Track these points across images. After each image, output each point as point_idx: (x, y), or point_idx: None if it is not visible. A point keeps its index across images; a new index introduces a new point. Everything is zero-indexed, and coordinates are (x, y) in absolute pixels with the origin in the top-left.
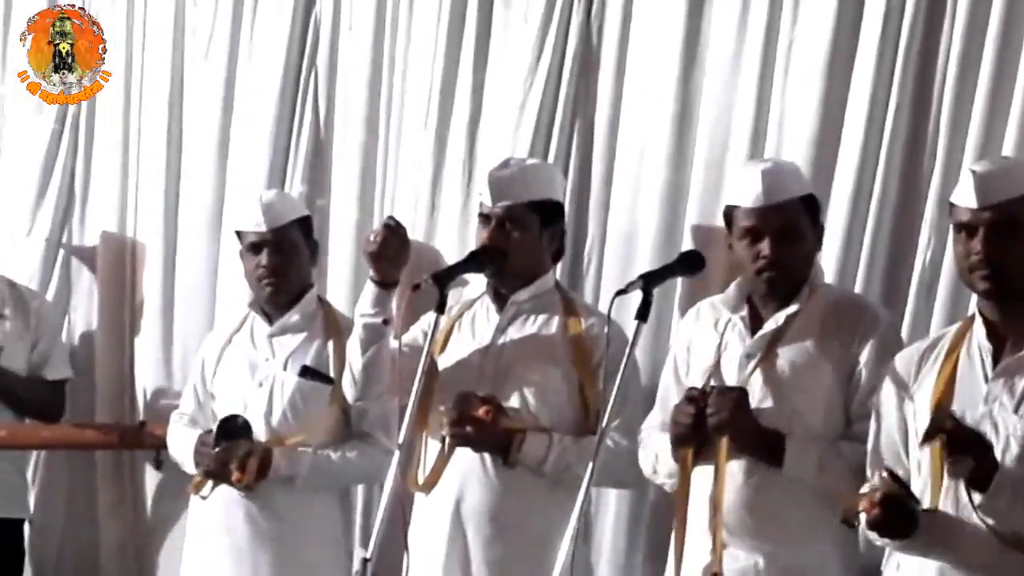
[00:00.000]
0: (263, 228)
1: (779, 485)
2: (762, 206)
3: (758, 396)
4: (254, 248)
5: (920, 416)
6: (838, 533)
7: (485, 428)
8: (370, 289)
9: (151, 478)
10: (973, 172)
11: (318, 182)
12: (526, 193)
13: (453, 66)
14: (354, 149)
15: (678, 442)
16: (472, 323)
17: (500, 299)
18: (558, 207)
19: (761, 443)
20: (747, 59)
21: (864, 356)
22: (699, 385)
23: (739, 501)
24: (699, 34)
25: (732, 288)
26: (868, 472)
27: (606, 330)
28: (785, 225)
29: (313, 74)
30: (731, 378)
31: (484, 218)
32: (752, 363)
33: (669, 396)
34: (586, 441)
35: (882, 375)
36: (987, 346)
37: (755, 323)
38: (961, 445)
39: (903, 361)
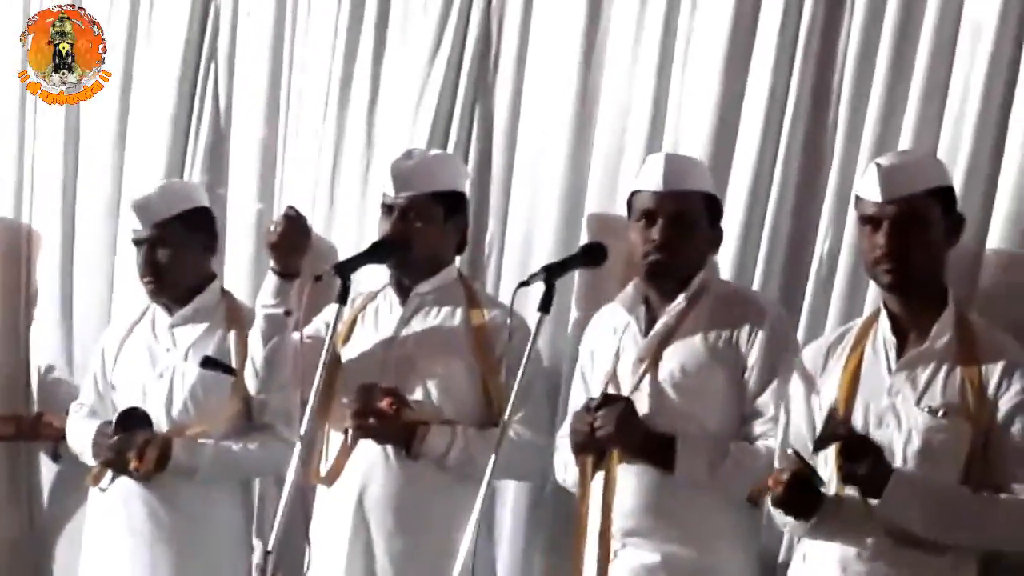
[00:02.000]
0: (139, 226)
1: (673, 484)
2: (661, 191)
3: (649, 401)
4: (136, 245)
5: (825, 410)
6: (737, 532)
7: (388, 420)
8: (271, 280)
9: (47, 471)
10: (878, 165)
11: (217, 171)
12: (429, 184)
13: (352, 56)
14: (253, 139)
15: (578, 450)
16: (375, 315)
17: (403, 291)
18: (461, 198)
19: (652, 449)
20: (645, 51)
21: (753, 354)
22: (599, 392)
23: (637, 503)
24: (599, 26)
25: (630, 288)
26: (776, 465)
27: (508, 321)
28: (680, 213)
29: (213, 62)
30: (626, 383)
31: (387, 208)
32: (643, 367)
33: (578, 405)
34: (489, 433)
35: (772, 370)
36: (891, 339)
37: (651, 325)
38: (854, 452)
39: (810, 355)
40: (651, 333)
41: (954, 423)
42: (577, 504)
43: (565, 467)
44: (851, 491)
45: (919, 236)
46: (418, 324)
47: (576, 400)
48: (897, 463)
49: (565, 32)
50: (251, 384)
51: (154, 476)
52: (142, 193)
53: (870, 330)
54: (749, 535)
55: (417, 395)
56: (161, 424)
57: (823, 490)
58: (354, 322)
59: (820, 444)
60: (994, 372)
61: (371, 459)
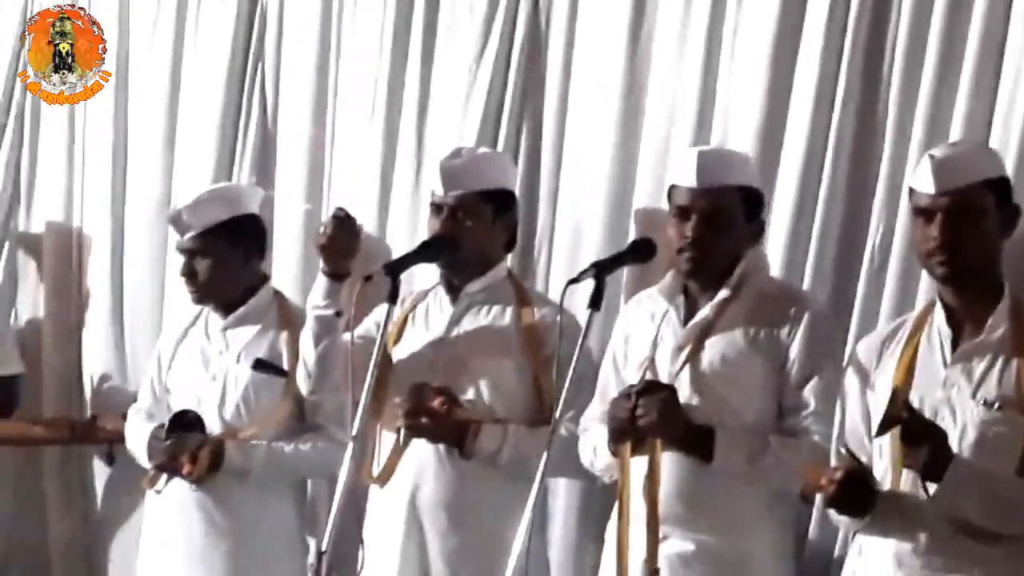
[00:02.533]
0: (180, 238)
1: (711, 475)
2: (693, 187)
3: (688, 391)
4: (181, 254)
5: (880, 402)
6: (773, 521)
7: (440, 419)
8: (321, 281)
9: (100, 473)
10: (932, 157)
11: (265, 173)
12: (478, 182)
13: (401, 55)
14: (301, 139)
15: (615, 437)
16: (426, 315)
17: (453, 290)
18: (510, 196)
19: (691, 440)
20: (692, 44)
21: (794, 347)
22: (635, 378)
23: (673, 491)
24: (644, 19)
25: (669, 277)
26: (832, 459)
27: (559, 319)
28: (713, 210)
29: (260, 64)
30: (664, 371)
31: (436, 208)
32: (682, 356)
33: (608, 388)
34: (541, 432)
35: (813, 364)
36: (947, 331)
37: (690, 314)
38: (916, 435)
39: (865, 348)
40: (691, 323)
41: (1010, 416)
42: (619, 491)
43: (595, 450)
44: (906, 485)
45: (973, 227)
46: (468, 323)
47: (605, 383)
48: None
49: (611, 27)
50: (303, 385)
51: (207, 479)
52: (176, 205)
53: (925, 322)
54: (785, 526)
55: (469, 395)
56: (214, 426)
57: (877, 487)
58: (405, 322)
59: (883, 426)
60: None
61: (423, 459)
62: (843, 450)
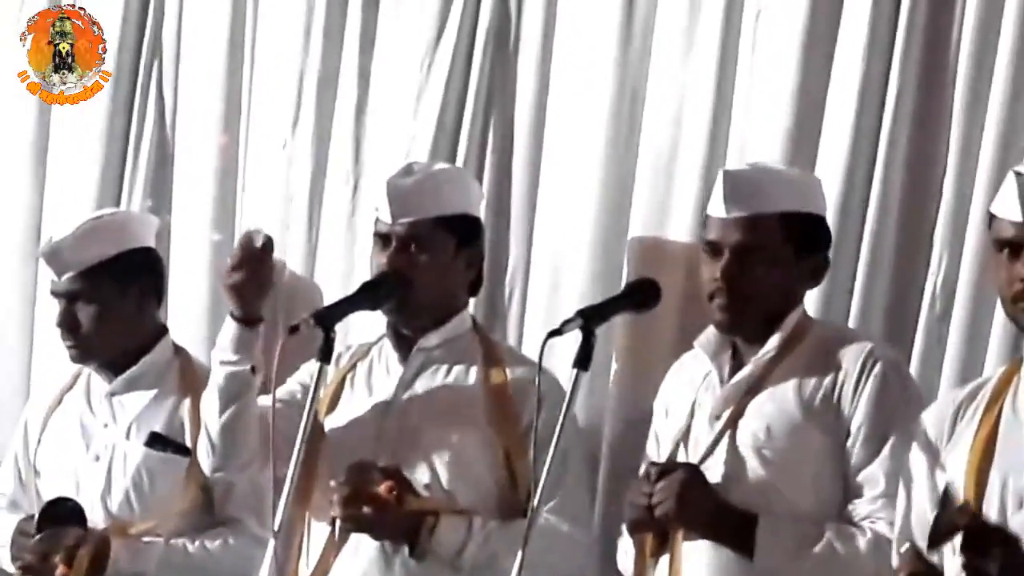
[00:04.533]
0: (56, 279)
1: (751, 572)
2: (723, 216)
3: (724, 469)
4: (54, 297)
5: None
6: None
7: (387, 509)
8: (230, 328)
9: None
10: (1018, 174)
11: (162, 195)
12: (435, 207)
13: (333, 46)
14: (208, 152)
15: (634, 528)
16: (368, 375)
17: (404, 345)
18: (475, 224)
19: (725, 528)
20: (703, 34)
21: (860, 413)
22: (667, 454)
23: None
24: (641, 8)
25: (711, 329)
26: (894, 557)
27: (537, 381)
28: (747, 243)
29: (156, 59)
30: (702, 445)
31: (382, 238)
32: (719, 425)
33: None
34: (515, 525)
35: (884, 434)
36: None
37: (735, 374)
38: (981, 544)
39: (934, 417)
40: (730, 382)
41: None
42: None
43: (626, 553)
44: None
45: None
46: (423, 386)
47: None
48: None
49: (600, 15)
50: (205, 462)
51: None
52: (55, 235)
53: (1010, 384)
54: None
55: (423, 476)
56: (98, 519)
57: None
58: (342, 384)
59: (935, 539)
60: None
61: (366, 558)
62: (906, 546)
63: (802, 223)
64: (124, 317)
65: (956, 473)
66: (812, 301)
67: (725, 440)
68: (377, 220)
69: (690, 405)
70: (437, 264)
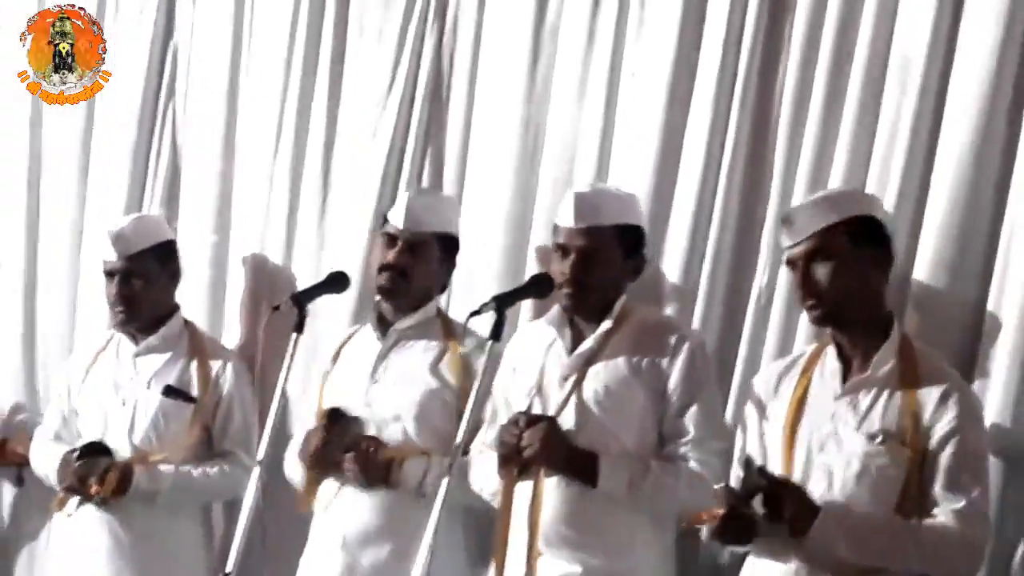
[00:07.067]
0: (113, 257)
1: (595, 498)
2: (571, 227)
3: (573, 418)
4: (108, 276)
5: (773, 434)
6: (656, 543)
7: (367, 460)
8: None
9: (7, 495)
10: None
11: (174, 204)
12: (438, 223)
13: (308, 93)
14: (210, 173)
15: (503, 461)
16: (354, 352)
17: (384, 326)
18: (455, 242)
19: (575, 466)
20: (592, 86)
21: (674, 376)
22: (523, 406)
23: (557, 514)
24: (542, 62)
25: (555, 309)
26: (733, 482)
27: (488, 348)
28: (589, 249)
29: (171, 102)
30: (551, 399)
31: (389, 238)
32: (568, 385)
33: (498, 416)
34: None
35: (692, 393)
36: (837, 367)
37: (576, 345)
38: (776, 498)
39: (763, 380)
40: (576, 352)
41: (891, 448)
42: (500, 514)
43: (485, 476)
44: None
45: (829, 270)
46: (396, 359)
47: (494, 411)
48: (836, 487)
49: (511, 67)
50: None
51: (114, 500)
52: (117, 224)
53: (818, 358)
54: (667, 547)
55: (396, 432)
56: (123, 451)
57: (757, 518)
58: (335, 360)
59: (744, 496)
60: (931, 399)
61: (354, 496)
62: (723, 484)
63: (630, 232)
64: (159, 292)
65: (777, 424)
66: (669, 290)
67: (573, 397)
68: (387, 223)
69: (539, 367)
70: (428, 267)
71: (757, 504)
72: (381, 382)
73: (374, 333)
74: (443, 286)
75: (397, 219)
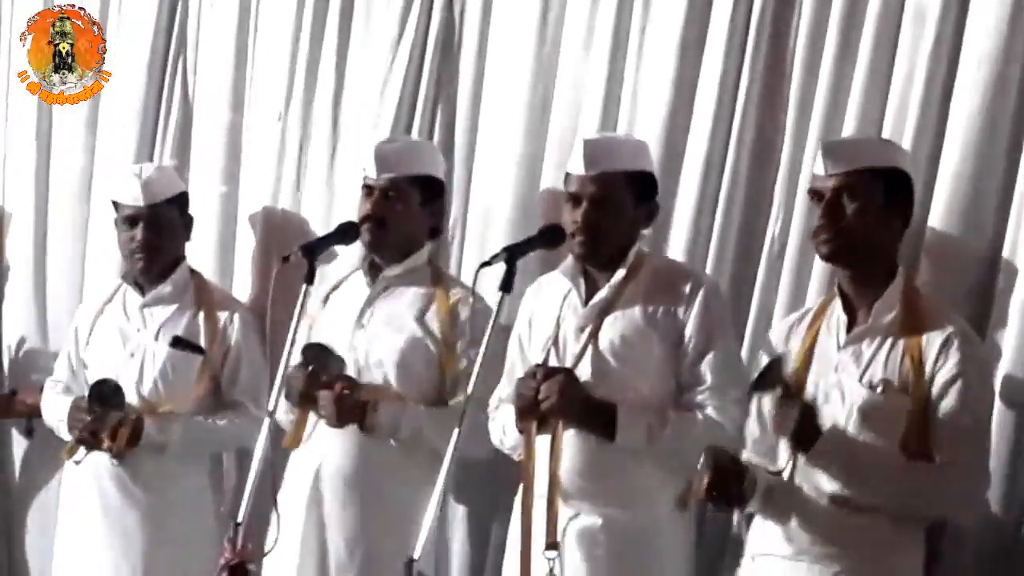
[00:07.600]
0: (140, 203)
1: (614, 449)
2: (582, 175)
3: (590, 369)
4: (129, 221)
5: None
6: (674, 495)
7: (340, 400)
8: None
9: (19, 446)
10: (823, 144)
11: (184, 155)
12: (409, 167)
13: (317, 45)
14: (220, 124)
15: (522, 415)
16: (344, 296)
17: (374, 272)
18: (439, 184)
19: (593, 418)
20: (599, 37)
21: (690, 324)
22: (540, 358)
23: (578, 466)
24: (552, 13)
25: (569, 259)
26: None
27: (471, 300)
28: (600, 195)
29: (182, 54)
30: (568, 350)
31: (367, 189)
32: (584, 335)
33: (515, 369)
34: (440, 412)
35: (709, 340)
36: (843, 318)
37: (591, 295)
38: (789, 402)
39: (776, 333)
40: (591, 303)
41: (892, 397)
42: (523, 467)
43: (503, 429)
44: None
45: (856, 208)
46: (383, 305)
47: (512, 365)
48: None
49: (522, 20)
50: None
51: (127, 453)
52: (144, 170)
53: (826, 309)
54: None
55: (378, 376)
56: (132, 401)
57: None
58: (325, 304)
59: (760, 384)
60: (933, 346)
61: (328, 433)
62: (708, 452)
63: (640, 178)
64: (176, 240)
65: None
66: (680, 241)
67: (590, 348)
68: (364, 175)
69: (555, 319)
70: (407, 211)
71: (767, 403)
72: (367, 327)
73: (364, 279)
74: (434, 231)
75: (370, 170)
